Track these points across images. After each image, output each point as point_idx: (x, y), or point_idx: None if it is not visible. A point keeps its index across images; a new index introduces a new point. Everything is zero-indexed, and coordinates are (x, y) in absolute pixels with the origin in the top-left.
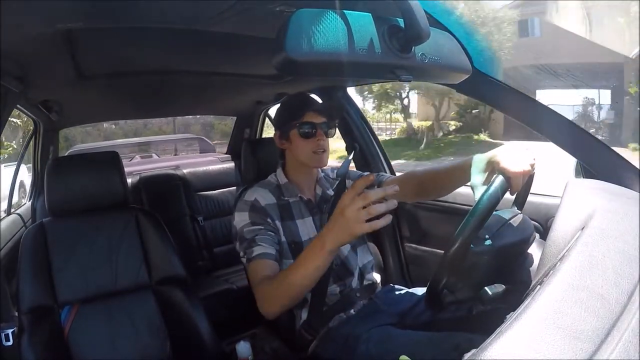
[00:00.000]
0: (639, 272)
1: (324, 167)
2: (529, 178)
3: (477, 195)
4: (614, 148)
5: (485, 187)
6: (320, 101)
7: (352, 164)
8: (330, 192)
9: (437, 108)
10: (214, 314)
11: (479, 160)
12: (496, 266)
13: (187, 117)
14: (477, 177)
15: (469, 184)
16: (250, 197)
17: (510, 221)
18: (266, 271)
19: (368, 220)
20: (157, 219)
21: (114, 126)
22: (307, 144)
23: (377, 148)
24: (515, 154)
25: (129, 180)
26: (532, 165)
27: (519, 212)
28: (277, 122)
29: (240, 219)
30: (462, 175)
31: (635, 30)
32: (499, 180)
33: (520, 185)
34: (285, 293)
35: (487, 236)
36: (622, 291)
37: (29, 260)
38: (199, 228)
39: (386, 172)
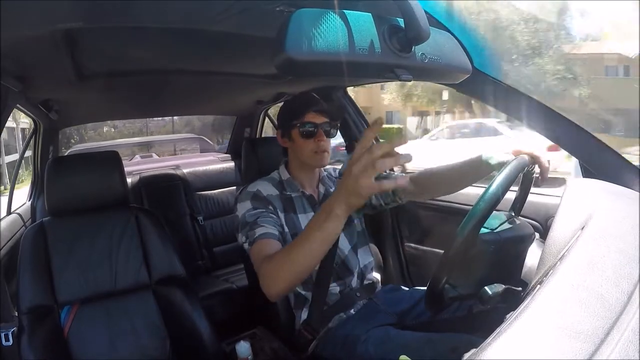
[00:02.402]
0: (639, 272)
1: (326, 167)
2: (528, 181)
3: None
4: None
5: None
6: (322, 101)
7: None
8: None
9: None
10: (214, 314)
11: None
12: (500, 259)
13: (177, 126)
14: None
15: (484, 157)
16: (252, 189)
17: (514, 219)
18: (270, 250)
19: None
20: (157, 219)
21: (113, 129)
22: (308, 144)
23: None
24: (528, 142)
25: (129, 180)
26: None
27: (517, 216)
28: (279, 121)
29: (243, 207)
30: (473, 171)
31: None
32: (520, 158)
33: (548, 166)
34: (289, 270)
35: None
36: (622, 291)
37: (28, 260)
38: (199, 228)
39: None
